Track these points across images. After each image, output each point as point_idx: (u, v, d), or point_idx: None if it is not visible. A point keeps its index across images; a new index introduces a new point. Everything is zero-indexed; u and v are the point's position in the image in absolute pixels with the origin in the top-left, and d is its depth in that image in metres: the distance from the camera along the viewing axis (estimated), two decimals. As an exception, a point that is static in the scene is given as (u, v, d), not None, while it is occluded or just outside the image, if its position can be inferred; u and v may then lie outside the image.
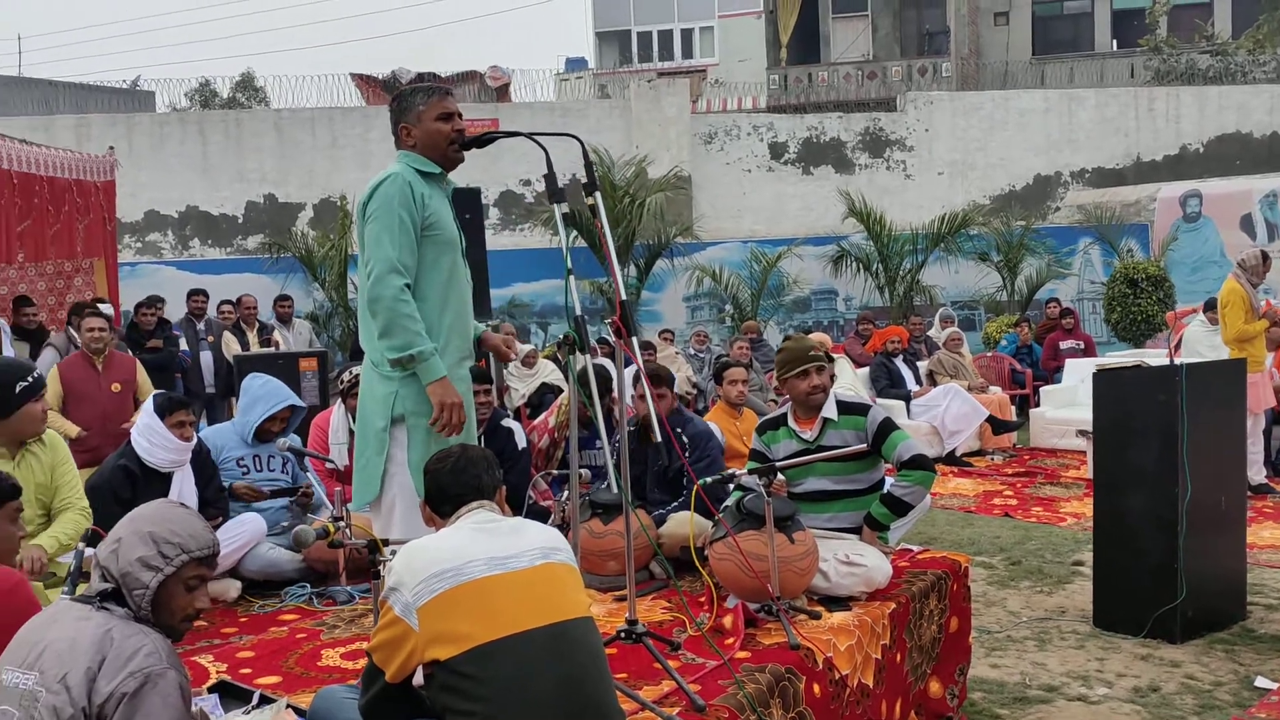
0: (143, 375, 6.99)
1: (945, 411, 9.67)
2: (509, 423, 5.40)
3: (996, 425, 10.03)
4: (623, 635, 3.22)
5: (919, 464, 4.03)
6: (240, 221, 17.91)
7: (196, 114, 20.78)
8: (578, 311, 3.02)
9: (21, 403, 3.83)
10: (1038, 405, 10.89)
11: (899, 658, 3.75)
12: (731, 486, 3.93)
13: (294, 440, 5.04)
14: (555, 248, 13.90)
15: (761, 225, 18.39)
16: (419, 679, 2.38)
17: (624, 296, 3.13)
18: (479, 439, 4.47)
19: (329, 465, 5.38)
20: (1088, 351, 12.00)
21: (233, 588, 4.42)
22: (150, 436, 4.48)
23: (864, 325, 12.54)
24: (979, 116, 19.71)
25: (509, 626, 2.32)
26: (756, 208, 18.97)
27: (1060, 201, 19.41)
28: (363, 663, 2.70)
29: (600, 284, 13.74)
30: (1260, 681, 4.29)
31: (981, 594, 5.47)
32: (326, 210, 17.17)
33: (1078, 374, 10.59)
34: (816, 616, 3.56)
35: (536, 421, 6.15)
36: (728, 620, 3.46)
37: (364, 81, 22.90)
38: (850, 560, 3.76)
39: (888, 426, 4.08)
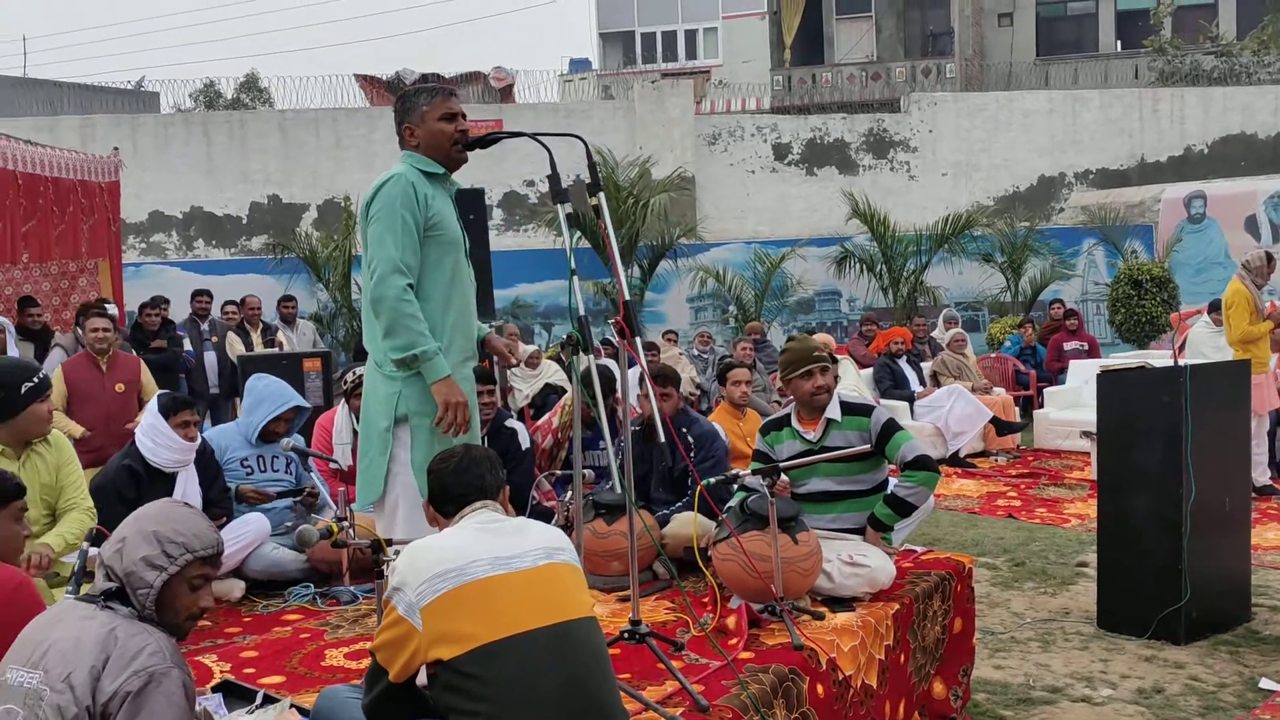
0: (147, 375, 6.99)
1: (949, 413, 9.66)
2: (512, 423, 5.40)
3: (1000, 426, 10.02)
4: (626, 636, 3.21)
5: (923, 464, 4.02)
6: (244, 222, 17.93)
7: (201, 115, 20.80)
8: (581, 312, 3.02)
9: (27, 403, 3.84)
10: (1041, 406, 10.88)
11: (903, 659, 3.74)
12: (735, 487, 3.93)
13: (298, 440, 5.05)
14: (559, 249, 13.88)
15: (765, 226, 18.38)
16: (422, 679, 2.39)
17: (627, 297, 3.13)
18: (482, 439, 4.48)
19: (332, 465, 5.38)
20: (1092, 353, 11.99)
21: (236, 587, 4.43)
22: (155, 436, 4.49)
23: (868, 326, 12.53)
24: (983, 117, 19.69)
25: (512, 626, 2.32)
26: (760, 209, 18.97)
27: (1064, 202, 19.38)
28: (366, 663, 2.70)
29: (604, 284, 13.74)
30: (1265, 683, 4.29)
31: (985, 595, 5.46)
32: (330, 211, 17.19)
33: (1082, 375, 10.58)
34: (820, 617, 3.56)
35: (540, 422, 6.14)
36: (731, 621, 3.46)
37: (368, 82, 22.93)
38: (854, 561, 3.76)
39: (891, 427, 4.08)
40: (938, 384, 10.41)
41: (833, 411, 4.12)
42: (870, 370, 10.58)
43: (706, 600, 3.71)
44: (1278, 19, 23.57)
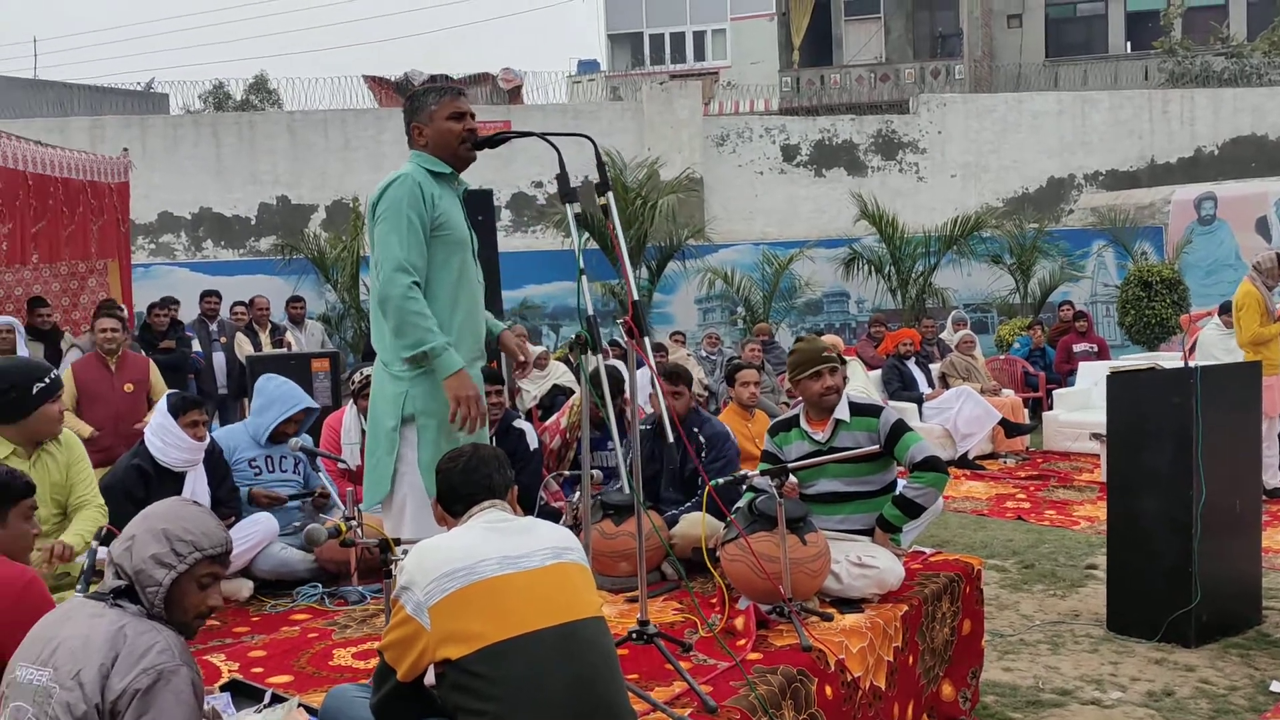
0: (156, 375, 7.01)
1: (958, 414, 9.65)
2: (521, 424, 5.40)
3: (1009, 428, 10.00)
4: (634, 636, 3.21)
5: (931, 466, 4.01)
6: (253, 223, 17.97)
7: (210, 116, 20.86)
8: (590, 311, 3.02)
9: (39, 404, 3.85)
10: (1051, 408, 10.85)
11: (911, 660, 3.73)
12: (744, 488, 3.92)
13: (306, 440, 5.06)
14: (567, 250, 13.90)
15: (773, 227, 18.36)
16: (430, 678, 2.38)
17: (636, 297, 3.12)
18: (490, 440, 4.47)
19: (340, 465, 5.39)
20: (1101, 354, 11.96)
21: (245, 587, 4.44)
22: (164, 436, 4.50)
23: (876, 328, 12.51)
24: (992, 119, 19.65)
25: (520, 626, 2.32)
26: (768, 210, 18.95)
27: (1074, 204, 19.33)
28: (374, 662, 2.70)
29: (612, 286, 13.74)
30: (1276, 686, 4.27)
31: (994, 597, 5.45)
32: (339, 212, 17.22)
33: (1091, 377, 10.55)
34: (828, 618, 3.55)
35: (548, 423, 6.15)
36: (739, 622, 3.46)
37: (376, 83, 22.95)
38: (862, 562, 3.75)
39: (900, 428, 4.06)
40: (946, 386, 10.38)
41: (841, 412, 4.11)
42: (879, 372, 10.56)
43: (715, 601, 3.70)
44: (1288, 20, 23.49)
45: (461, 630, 2.30)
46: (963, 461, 9.49)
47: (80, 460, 4.08)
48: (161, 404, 4.63)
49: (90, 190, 9.49)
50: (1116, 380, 5.14)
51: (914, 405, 9.93)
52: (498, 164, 16.08)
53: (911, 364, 10.52)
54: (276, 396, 5.00)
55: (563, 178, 3.14)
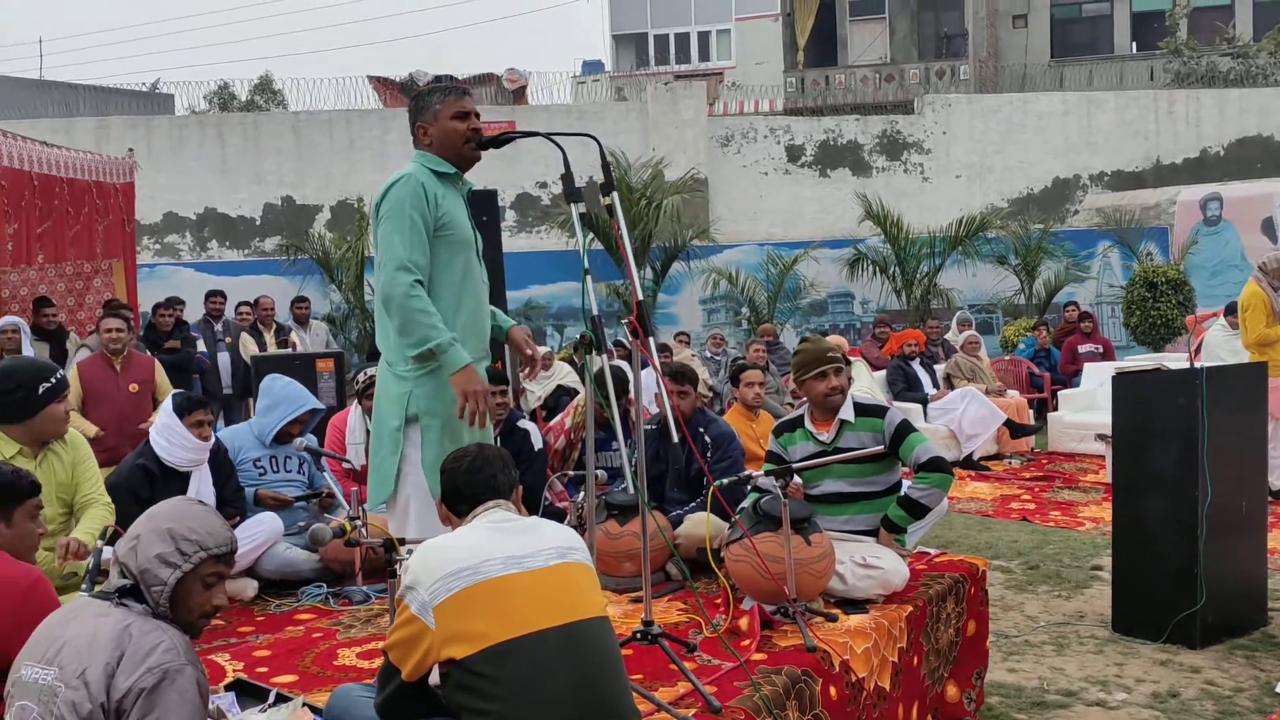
0: (161, 375, 7.02)
1: (962, 415, 9.63)
2: (525, 424, 5.40)
3: (1014, 429, 9.98)
4: (638, 636, 3.21)
5: (936, 466, 4.01)
6: (258, 223, 18.00)
7: (215, 116, 20.90)
8: (594, 312, 3.02)
9: (45, 404, 3.85)
10: (1056, 409, 10.83)
11: (916, 661, 3.73)
12: (749, 488, 3.92)
13: (310, 440, 5.06)
14: (571, 250, 13.92)
15: (778, 228, 18.36)
16: (435, 678, 2.39)
17: (640, 296, 3.12)
18: (495, 440, 4.47)
19: (345, 465, 5.40)
20: (1106, 355, 11.93)
21: (250, 587, 4.44)
22: (169, 436, 4.51)
23: (881, 328, 12.50)
24: (997, 119, 19.63)
25: (524, 626, 2.32)
26: (773, 210, 18.95)
27: (1079, 204, 19.31)
28: (379, 662, 2.70)
29: (616, 286, 13.74)
30: (1281, 688, 4.26)
31: (999, 598, 5.44)
32: (343, 212, 17.24)
33: (1096, 378, 10.52)
34: (833, 619, 3.55)
35: (553, 423, 6.15)
36: (744, 622, 3.45)
37: (381, 84, 22.99)
38: (867, 563, 3.74)
39: (905, 429, 4.06)
40: (951, 386, 10.37)
41: (846, 413, 4.11)
42: (883, 372, 10.55)
43: (719, 601, 3.70)
44: (1294, 20, 23.46)
45: (466, 630, 2.30)
46: (967, 462, 9.47)
47: (86, 459, 4.09)
48: (166, 404, 4.63)
49: (95, 190, 9.53)
50: (1122, 381, 5.13)
51: (919, 406, 9.91)
52: (502, 164, 16.10)
53: (916, 365, 10.51)
54: (282, 397, 5.00)
55: (567, 178, 3.14)
